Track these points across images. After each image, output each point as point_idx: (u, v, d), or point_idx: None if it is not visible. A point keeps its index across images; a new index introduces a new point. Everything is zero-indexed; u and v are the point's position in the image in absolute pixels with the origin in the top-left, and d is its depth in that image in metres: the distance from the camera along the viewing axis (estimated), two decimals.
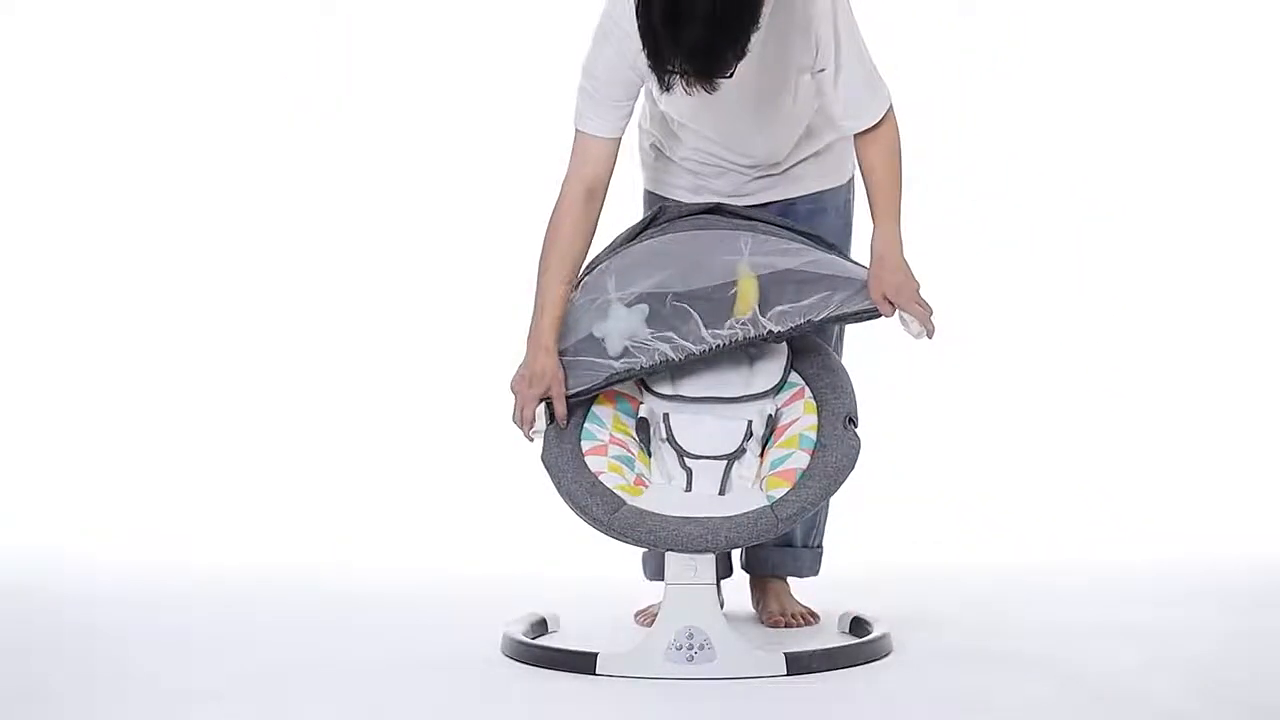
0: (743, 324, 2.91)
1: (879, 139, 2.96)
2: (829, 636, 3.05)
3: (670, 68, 2.71)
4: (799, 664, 2.73)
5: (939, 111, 4.84)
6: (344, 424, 4.78)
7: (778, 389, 2.95)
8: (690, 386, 2.94)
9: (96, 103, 4.97)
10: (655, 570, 3.23)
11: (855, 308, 2.92)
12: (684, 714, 2.55)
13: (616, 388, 2.96)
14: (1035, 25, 4.88)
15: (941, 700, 2.59)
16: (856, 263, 3.00)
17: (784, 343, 2.96)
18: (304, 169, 4.91)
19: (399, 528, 4.41)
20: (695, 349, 2.90)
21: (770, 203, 3.15)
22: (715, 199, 3.13)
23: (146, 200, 4.97)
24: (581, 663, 2.76)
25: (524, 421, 2.92)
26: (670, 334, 2.92)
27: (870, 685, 2.69)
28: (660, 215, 3.07)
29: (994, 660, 2.86)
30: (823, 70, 2.92)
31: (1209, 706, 2.54)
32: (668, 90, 2.77)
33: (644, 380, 2.96)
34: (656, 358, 2.90)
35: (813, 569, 3.31)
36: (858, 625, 3.06)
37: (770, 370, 2.97)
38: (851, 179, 3.21)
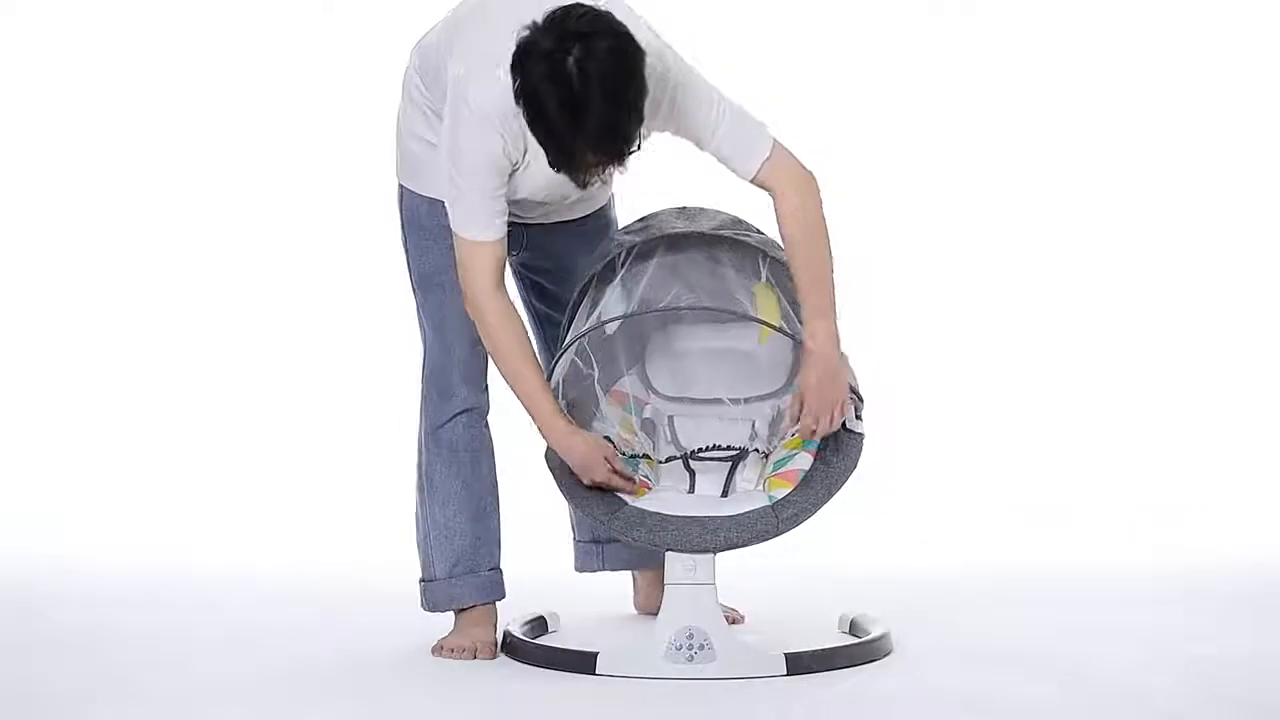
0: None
1: (794, 214, 2.79)
2: (829, 636, 3.04)
3: (580, 163, 2.63)
4: (799, 664, 2.73)
5: (937, 112, 4.84)
6: (344, 424, 4.77)
7: (784, 390, 2.95)
8: (697, 388, 2.94)
9: (96, 102, 4.97)
10: (583, 563, 3.26)
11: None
12: (684, 714, 2.55)
13: (627, 390, 2.95)
14: (1034, 25, 4.88)
15: (941, 700, 2.59)
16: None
17: (791, 344, 2.92)
18: (304, 169, 4.91)
19: (398, 527, 4.39)
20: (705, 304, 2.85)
21: (582, 216, 3.04)
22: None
23: (148, 201, 4.97)
24: (581, 663, 2.76)
25: (612, 484, 2.83)
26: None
27: (870, 685, 2.69)
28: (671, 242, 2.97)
29: (994, 660, 2.86)
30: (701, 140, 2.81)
31: (1209, 706, 2.54)
32: (584, 187, 2.71)
33: (650, 381, 2.96)
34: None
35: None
36: (857, 625, 3.06)
37: (776, 372, 2.97)
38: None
